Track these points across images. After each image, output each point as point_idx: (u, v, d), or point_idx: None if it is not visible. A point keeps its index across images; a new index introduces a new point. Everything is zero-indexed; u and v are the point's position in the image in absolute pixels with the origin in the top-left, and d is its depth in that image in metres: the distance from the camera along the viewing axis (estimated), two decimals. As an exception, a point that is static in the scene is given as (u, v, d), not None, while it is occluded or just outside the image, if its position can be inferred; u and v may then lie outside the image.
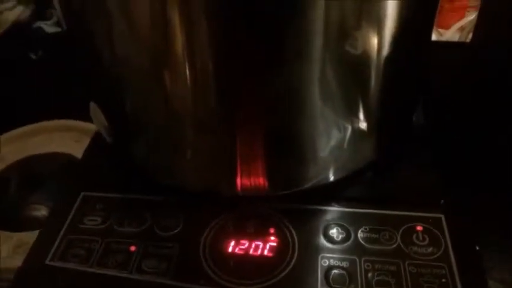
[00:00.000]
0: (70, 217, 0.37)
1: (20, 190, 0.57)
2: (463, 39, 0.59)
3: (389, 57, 0.33)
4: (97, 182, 0.40)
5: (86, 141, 0.56)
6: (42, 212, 0.54)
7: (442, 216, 0.35)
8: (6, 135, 0.59)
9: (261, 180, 0.36)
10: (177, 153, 0.37)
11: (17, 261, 0.46)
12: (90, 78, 0.40)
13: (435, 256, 0.33)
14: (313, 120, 0.34)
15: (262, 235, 0.35)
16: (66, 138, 0.59)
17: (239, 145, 0.34)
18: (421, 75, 0.43)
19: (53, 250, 0.35)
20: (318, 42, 0.30)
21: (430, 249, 0.34)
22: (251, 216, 0.37)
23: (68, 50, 0.55)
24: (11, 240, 0.49)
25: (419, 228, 0.35)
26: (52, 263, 0.34)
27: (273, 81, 0.31)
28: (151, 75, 0.33)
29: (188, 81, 0.32)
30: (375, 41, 0.32)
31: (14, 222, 0.52)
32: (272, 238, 0.35)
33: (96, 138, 0.43)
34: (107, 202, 0.38)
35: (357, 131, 0.36)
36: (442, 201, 0.36)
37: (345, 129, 0.36)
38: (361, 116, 0.36)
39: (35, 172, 0.58)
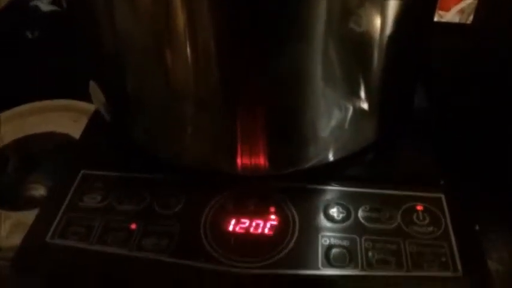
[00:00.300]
0: (70, 195, 0.36)
1: (17, 169, 0.57)
2: (463, 22, 0.58)
3: (391, 37, 0.33)
4: (96, 160, 0.39)
5: (84, 121, 0.55)
6: (40, 191, 0.54)
7: (442, 196, 0.35)
8: (3, 115, 0.59)
9: (261, 159, 0.36)
10: (177, 131, 0.37)
11: (15, 240, 0.46)
12: (90, 56, 0.39)
13: (435, 235, 0.34)
14: (315, 100, 0.34)
15: (263, 214, 0.35)
16: (64, 118, 0.59)
17: (240, 124, 0.34)
18: (423, 56, 0.42)
19: (53, 227, 0.34)
20: (321, 21, 0.30)
21: (430, 229, 0.34)
22: (252, 194, 0.37)
23: (64, 29, 0.54)
24: (9, 220, 0.49)
25: (419, 207, 0.35)
26: (52, 241, 0.34)
27: (274, 60, 0.31)
28: (153, 53, 0.33)
29: (189, 59, 0.31)
30: (377, 20, 0.32)
31: (12, 202, 0.52)
32: (272, 217, 0.35)
33: (95, 116, 0.43)
34: (106, 180, 0.37)
35: (358, 111, 0.36)
36: (442, 181, 0.36)
37: (346, 109, 0.35)
38: (363, 96, 0.35)
39: (32, 152, 0.58)
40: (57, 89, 0.60)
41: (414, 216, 0.35)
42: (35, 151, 0.58)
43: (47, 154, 0.57)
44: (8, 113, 0.59)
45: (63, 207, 0.36)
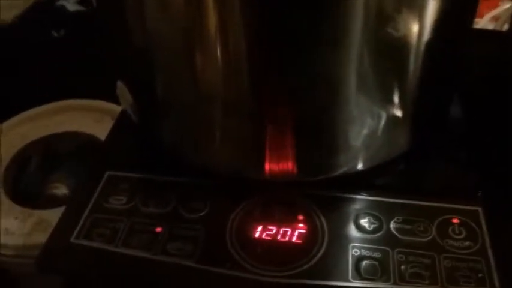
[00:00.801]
0: (95, 196, 0.36)
1: (40, 168, 0.57)
2: (498, 29, 0.57)
3: (428, 43, 0.32)
4: (122, 161, 0.39)
5: (107, 122, 0.55)
6: (62, 190, 0.54)
7: (480, 209, 0.34)
8: (27, 113, 0.59)
9: (290, 166, 0.35)
10: (205, 134, 0.36)
11: (37, 238, 0.46)
12: (118, 56, 0.39)
13: (472, 250, 0.32)
14: (347, 106, 0.33)
15: (291, 221, 0.34)
16: (87, 118, 0.59)
17: (269, 129, 0.34)
18: (460, 63, 0.41)
19: (77, 228, 0.34)
20: (356, 25, 0.29)
21: (466, 243, 0.33)
22: (279, 201, 0.36)
23: (90, 29, 0.54)
24: (31, 218, 0.49)
25: (455, 220, 0.34)
26: (77, 241, 0.33)
27: (307, 64, 0.30)
28: (182, 53, 0.32)
29: (219, 61, 0.31)
30: (415, 25, 0.31)
31: (35, 200, 0.52)
32: (301, 225, 0.34)
33: (122, 117, 0.42)
34: (132, 182, 0.37)
35: (391, 119, 0.35)
36: (480, 193, 0.35)
37: (379, 116, 0.34)
38: (396, 103, 0.34)
39: (55, 151, 0.58)
40: (81, 89, 0.60)
41: (450, 230, 0.33)
42: (58, 150, 0.58)
43: (70, 154, 0.58)
44: (31, 112, 0.59)
45: (88, 208, 0.35)
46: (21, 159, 0.56)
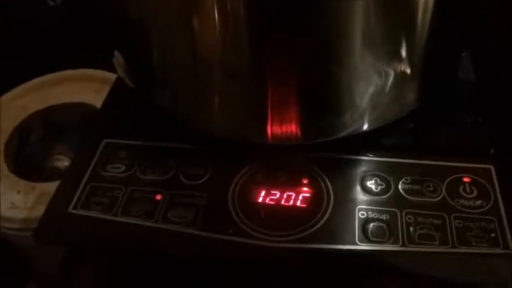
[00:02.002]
0: (92, 165, 0.35)
1: (41, 140, 0.56)
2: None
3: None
4: (120, 129, 0.38)
5: (107, 91, 0.54)
6: (64, 162, 0.54)
7: (492, 167, 0.33)
8: (27, 85, 0.58)
9: (293, 128, 0.34)
10: (204, 98, 0.35)
11: (40, 211, 0.46)
12: (114, 23, 0.37)
13: (484, 209, 0.31)
14: (352, 62, 0.31)
15: (295, 185, 0.33)
16: (87, 88, 0.57)
17: (270, 90, 0.32)
18: (471, 19, 0.39)
19: (75, 198, 0.33)
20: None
21: (478, 202, 0.31)
22: (282, 165, 0.35)
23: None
24: (34, 191, 0.48)
25: (466, 179, 0.32)
26: (75, 211, 0.33)
27: (308, 19, 0.29)
28: (180, 18, 0.31)
29: (217, 22, 0.29)
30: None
31: (37, 173, 0.52)
32: (305, 189, 0.33)
33: (118, 84, 0.41)
34: (130, 149, 0.36)
35: (398, 76, 0.33)
36: (492, 150, 0.33)
37: (386, 73, 0.33)
38: (403, 59, 0.33)
39: (56, 122, 0.57)
40: (80, 59, 0.59)
41: (460, 189, 0.32)
42: (59, 122, 0.57)
43: (71, 125, 0.57)
44: (30, 84, 0.58)
45: (86, 177, 0.34)
46: (22, 132, 0.55)
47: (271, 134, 0.34)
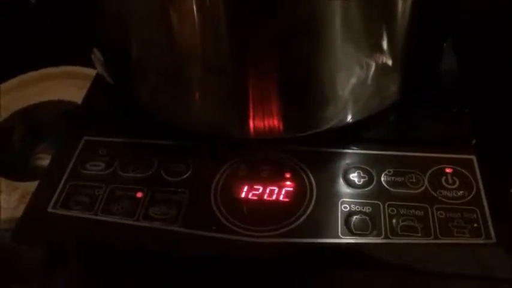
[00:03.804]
0: (72, 163, 0.34)
1: (24, 140, 0.55)
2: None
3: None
4: (99, 126, 0.37)
5: (88, 88, 0.53)
6: (47, 161, 0.52)
7: (474, 158, 0.33)
8: (7, 84, 0.57)
9: (275, 122, 0.33)
10: (184, 94, 0.35)
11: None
12: (91, 16, 0.37)
13: (466, 200, 0.31)
14: (333, 53, 0.31)
15: (278, 180, 0.33)
16: (70, 86, 0.57)
17: (251, 84, 0.32)
18: (451, 9, 0.39)
19: (54, 197, 0.33)
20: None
21: (460, 193, 0.31)
22: (265, 160, 0.34)
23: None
24: (16, 191, 0.47)
25: (448, 170, 0.32)
26: (54, 211, 0.32)
27: (287, 9, 0.28)
28: (157, 13, 0.30)
29: (195, 15, 0.29)
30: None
31: (20, 173, 0.51)
32: (288, 183, 0.33)
33: (98, 81, 0.40)
34: (110, 147, 0.35)
35: (379, 68, 0.33)
36: (474, 141, 0.33)
37: (367, 66, 0.33)
38: (384, 51, 0.33)
39: (39, 121, 0.56)
40: (61, 56, 0.58)
41: (443, 180, 0.32)
42: (41, 120, 0.56)
43: (53, 123, 0.56)
44: (11, 82, 0.57)
45: (65, 175, 0.34)
46: (4, 131, 0.54)
47: (253, 128, 0.34)
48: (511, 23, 0.41)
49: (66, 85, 0.56)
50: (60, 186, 0.33)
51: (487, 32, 0.43)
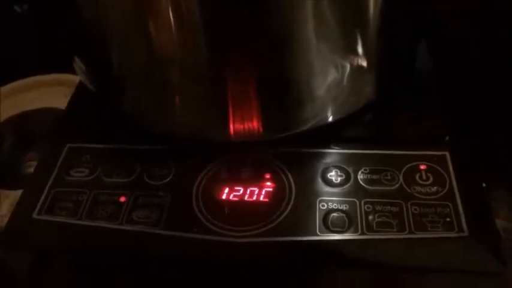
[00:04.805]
0: (56, 170, 0.35)
1: (14, 148, 0.55)
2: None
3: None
4: (83, 132, 0.38)
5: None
6: (37, 169, 0.53)
7: (447, 154, 0.33)
8: (-3, 92, 0.57)
9: (254, 124, 0.34)
10: (164, 100, 0.35)
11: (14, 219, 0.46)
12: (71, 27, 0.37)
13: (439, 195, 0.32)
14: (308, 56, 0.32)
15: (258, 180, 0.34)
16: (58, 93, 0.57)
17: (230, 87, 0.33)
18: (425, 10, 0.39)
19: (39, 204, 0.33)
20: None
21: (434, 189, 0.32)
22: (245, 161, 0.35)
23: (53, 3, 0.52)
24: (7, 199, 0.48)
25: (422, 167, 0.33)
26: (39, 217, 0.33)
27: (262, 15, 0.29)
28: (135, 20, 0.31)
29: (172, 23, 0.29)
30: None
31: (10, 181, 0.52)
32: (268, 183, 0.34)
33: (81, 88, 0.41)
34: (93, 153, 0.36)
35: (355, 69, 0.34)
36: (447, 137, 0.34)
37: (343, 66, 0.33)
38: (358, 52, 0.33)
39: (29, 128, 0.56)
40: (50, 64, 0.58)
41: (417, 176, 0.33)
42: (31, 128, 0.56)
43: (44, 131, 0.56)
44: (1, 90, 0.57)
45: (49, 182, 0.34)
46: (-6, 140, 0.55)
47: (233, 131, 0.34)
48: (501, 23, 0.42)
49: (55, 92, 0.57)
50: (45, 192, 0.34)
51: (474, 31, 0.44)
